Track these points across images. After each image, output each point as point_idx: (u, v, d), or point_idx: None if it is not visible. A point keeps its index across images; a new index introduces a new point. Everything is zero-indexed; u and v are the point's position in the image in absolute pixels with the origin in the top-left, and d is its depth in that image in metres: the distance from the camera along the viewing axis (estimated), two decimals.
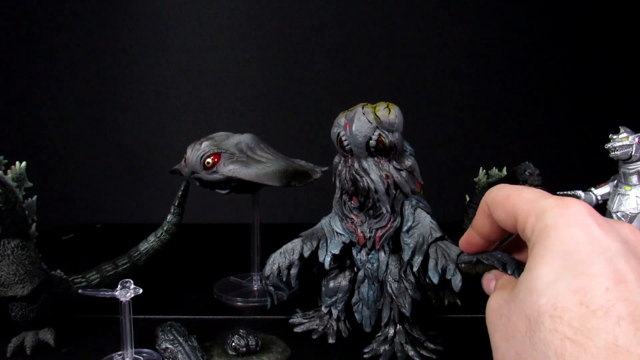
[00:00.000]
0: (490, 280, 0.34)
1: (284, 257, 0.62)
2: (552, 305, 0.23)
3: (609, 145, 0.68)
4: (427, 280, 0.55)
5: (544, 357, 0.23)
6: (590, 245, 0.25)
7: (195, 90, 1.29)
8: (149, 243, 0.70)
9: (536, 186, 0.77)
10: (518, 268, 0.36)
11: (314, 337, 0.63)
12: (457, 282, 0.51)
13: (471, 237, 0.35)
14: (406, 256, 0.56)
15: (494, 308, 0.28)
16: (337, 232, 0.60)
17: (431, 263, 0.54)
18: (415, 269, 0.55)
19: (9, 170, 0.58)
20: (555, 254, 0.25)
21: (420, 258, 0.55)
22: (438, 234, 0.55)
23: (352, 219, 0.58)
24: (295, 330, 0.65)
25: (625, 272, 0.24)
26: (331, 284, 0.62)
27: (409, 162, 0.57)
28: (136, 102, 1.30)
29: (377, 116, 0.54)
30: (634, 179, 0.68)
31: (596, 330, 0.22)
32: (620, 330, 0.22)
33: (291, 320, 0.67)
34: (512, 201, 0.29)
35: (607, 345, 0.22)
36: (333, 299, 0.63)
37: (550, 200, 0.27)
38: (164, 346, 0.56)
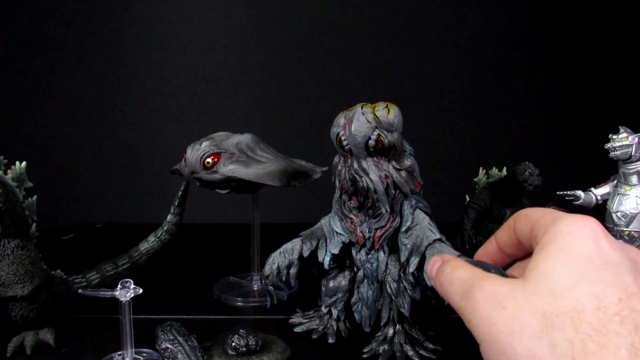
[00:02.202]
0: (436, 262, 0.33)
1: (284, 256, 0.62)
2: (572, 308, 0.24)
3: (608, 145, 0.68)
4: (423, 281, 0.55)
5: (562, 353, 0.24)
6: (601, 258, 0.26)
7: (195, 90, 1.29)
8: (149, 243, 0.71)
9: (536, 186, 0.77)
10: None
11: (314, 336, 0.63)
12: None
13: (489, 245, 0.36)
14: (403, 257, 0.56)
15: (490, 302, 0.27)
16: (336, 232, 0.60)
17: (427, 265, 0.54)
18: (411, 270, 0.55)
19: (9, 170, 0.58)
20: (571, 260, 0.26)
21: (417, 259, 0.55)
22: (436, 236, 0.55)
23: (351, 218, 0.58)
24: (295, 330, 0.65)
25: (633, 287, 0.25)
26: (331, 284, 0.63)
27: (408, 162, 0.57)
28: (136, 102, 1.30)
29: (376, 116, 0.54)
30: (634, 179, 0.68)
31: (615, 332, 0.23)
32: (638, 338, 0.23)
33: (291, 320, 0.67)
34: (535, 213, 0.31)
35: (627, 347, 0.23)
36: (333, 299, 0.63)
37: (567, 214, 0.29)
38: (164, 346, 0.56)
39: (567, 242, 0.27)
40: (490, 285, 0.28)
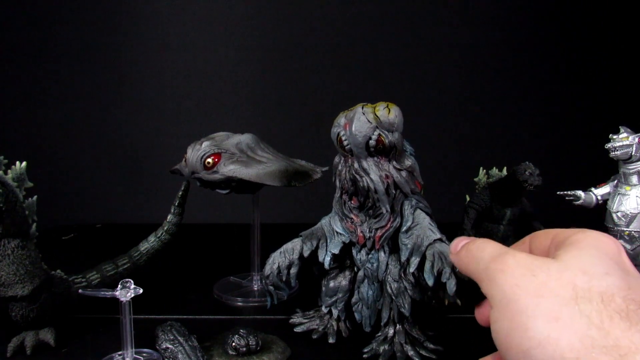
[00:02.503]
0: (464, 239, 0.35)
1: (284, 256, 0.62)
2: (603, 290, 0.26)
3: (609, 145, 0.68)
4: (423, 281, 0.55)
5: (590, 321, 0.25)
6: (625, 265, 0.29)
7: (195, 90, 1.29)
8: (149, 243, 0.71)
9: (536, 186, 0.77)
10: None
11: (314, 337, 0.63)
12: (451, 286, 0.51)
13: None
14: (403, 256, 0.56)
15: (521, 267, 0.29)
16: (337, 232, 0.60)
17: (427, 265, 0.54)
18: (411, 270, 0.55)
19: (9, 170, 0.58)
20: (602, 255, 0.28)
21: (417, 259, 0.55)
22: (436, 236, 0.55)
23: (352, 218, 0.58)
24: (295, 330, 0.65)
25: None
26: (331, 284, 0.63)
27: (409, 162, 0.57)
28: (136, 102, 1.30)
29: (377, 116, 0.54)
30: (634, 179, 0.68)
31: None
32: None
33: (291, 320, 0.67)
34: (555, 230, 0.33)
35: None
36: (333, 299, 0.63)
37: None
38: (164, 346, 0.56)
39: (596, 244, 0.29)
40: (523, 255, 0.30)
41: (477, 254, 0.32)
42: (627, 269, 0.28)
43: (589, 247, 0.29)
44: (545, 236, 0.33)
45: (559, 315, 0.26)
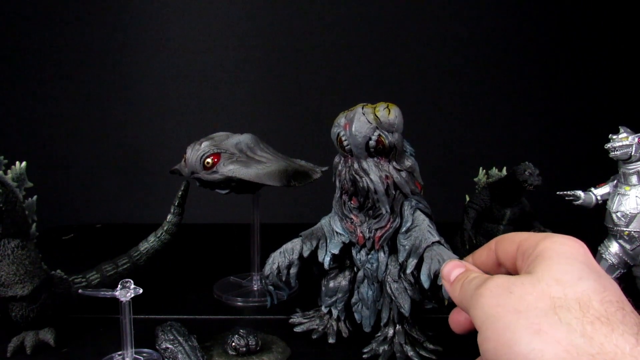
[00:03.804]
0: (457, 267, 0.35)
1: (284, 256, 0.62)
2: (580, 297, 0.27)
3: (608, 145, 0.68)
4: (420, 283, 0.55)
5: (571, 328, 0.26)
6: (595, 266, 0.29)
7: (195, 90, 1.29)
8: (149, 243, 0.71)
9: (536, 186, 0.77)
10: None
11: (314, 337, 0.63)
12: None
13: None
14: (401, 258, 0.56)
15: (499, 287, 0.30)
16: (336, 232, 0.60)
17: (424, 267, 0.54)
18: (408, 271, 0.55)
19: (9, 170, 0.58)
20: (573, 261, 0.29)
21: (415, 261, 0.55)
22: (434, 239, 0.55)
23: (351, 219, 0.58)
24: (295, 330, 0.65)
25: (621, 294, 0.28)
26: (331, 284, 0.63)
27: (409, 162, 0.57)
28: (136, 102, 1.30)
29: (377, 116, 0.54)
30: (634, 179, 0.68)
31: (621, 322, 0.26)
32: None
33: (291, 320, 0.67)
34: (520, 235, 0.33)
35: (633, 334, 0.25)
36: (333, 299, 0.63)
37: (556, 233, 0.32)
38: (164, 346, 0.56)
39: (565, 250, 0.30)
40: (500, 277, 0.31)
41: (467, 286, 0.33)
42: (597, 270, 0.29)
43: (557, 255, 0.29)
44: (510, 242, 0.33)
45: (540, 327, 0.26)
